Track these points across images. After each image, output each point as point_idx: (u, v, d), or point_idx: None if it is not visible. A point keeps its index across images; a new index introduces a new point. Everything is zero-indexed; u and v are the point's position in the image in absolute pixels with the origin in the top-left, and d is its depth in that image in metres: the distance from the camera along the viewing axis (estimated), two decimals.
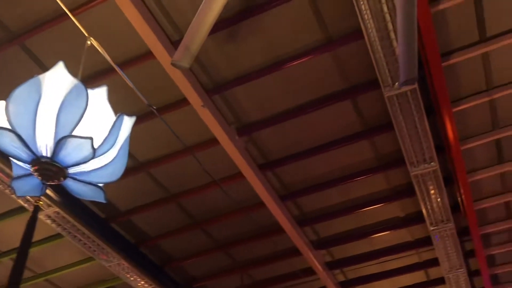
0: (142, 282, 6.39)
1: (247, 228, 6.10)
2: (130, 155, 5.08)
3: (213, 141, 4.79)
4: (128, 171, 5.25)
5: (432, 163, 5.04)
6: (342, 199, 5.85)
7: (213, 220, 6.04)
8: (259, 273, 7.05)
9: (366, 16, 3.79)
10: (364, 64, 4.36)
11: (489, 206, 6.00)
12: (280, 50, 4.27)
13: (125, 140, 2.32)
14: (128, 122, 2.33)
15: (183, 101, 4.47)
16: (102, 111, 2.31)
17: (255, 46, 4.24)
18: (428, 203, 5.56)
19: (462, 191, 5.37)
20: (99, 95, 2.39)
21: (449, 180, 5.44)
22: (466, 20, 4.10)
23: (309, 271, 6.63)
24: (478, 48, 4.25)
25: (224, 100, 4.67)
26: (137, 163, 5.23)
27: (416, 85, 4.28)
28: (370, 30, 3.88)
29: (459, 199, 5.64)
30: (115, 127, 2.22)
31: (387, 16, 3.78)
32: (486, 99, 4.65)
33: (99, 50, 3.25)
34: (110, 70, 4.10)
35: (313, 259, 6.29)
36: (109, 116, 2.34)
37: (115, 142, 2.20)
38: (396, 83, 4.27)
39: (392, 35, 3.88)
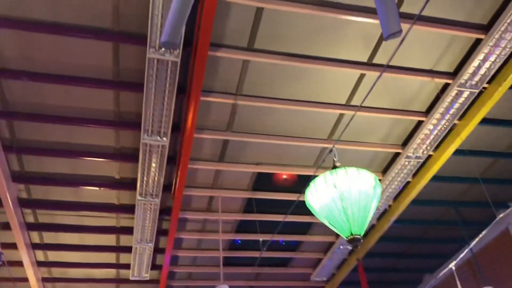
0: None
1: None
2: None
3: None
4: None
5: (164, 138, 5.18)
6: (64, 139, 5.43)
7: None
8: None
9: None
10: (140, 15, 4.19)
11: (196, 195, 6.52)
12: None
13: None
14: None
15: None
16: None
17: None
18: (146, 174, 5.68)
19: (179, 174, 5.67)
20: None
21: (171, 160, 5.68)
22: (244, 23, 4.38)
23: None
24: (243, 54, 4.59)
25: None
26: None
27: (178, 60, 4.34)
28: None
29: (174, 180, 5.95)
30: None
31: None
32: (231, 101, 5.05)
33: None
34: None
35: (5, 190, 5.64)
36: None
37: None
38: (163, 48, 4.24)
39: None
